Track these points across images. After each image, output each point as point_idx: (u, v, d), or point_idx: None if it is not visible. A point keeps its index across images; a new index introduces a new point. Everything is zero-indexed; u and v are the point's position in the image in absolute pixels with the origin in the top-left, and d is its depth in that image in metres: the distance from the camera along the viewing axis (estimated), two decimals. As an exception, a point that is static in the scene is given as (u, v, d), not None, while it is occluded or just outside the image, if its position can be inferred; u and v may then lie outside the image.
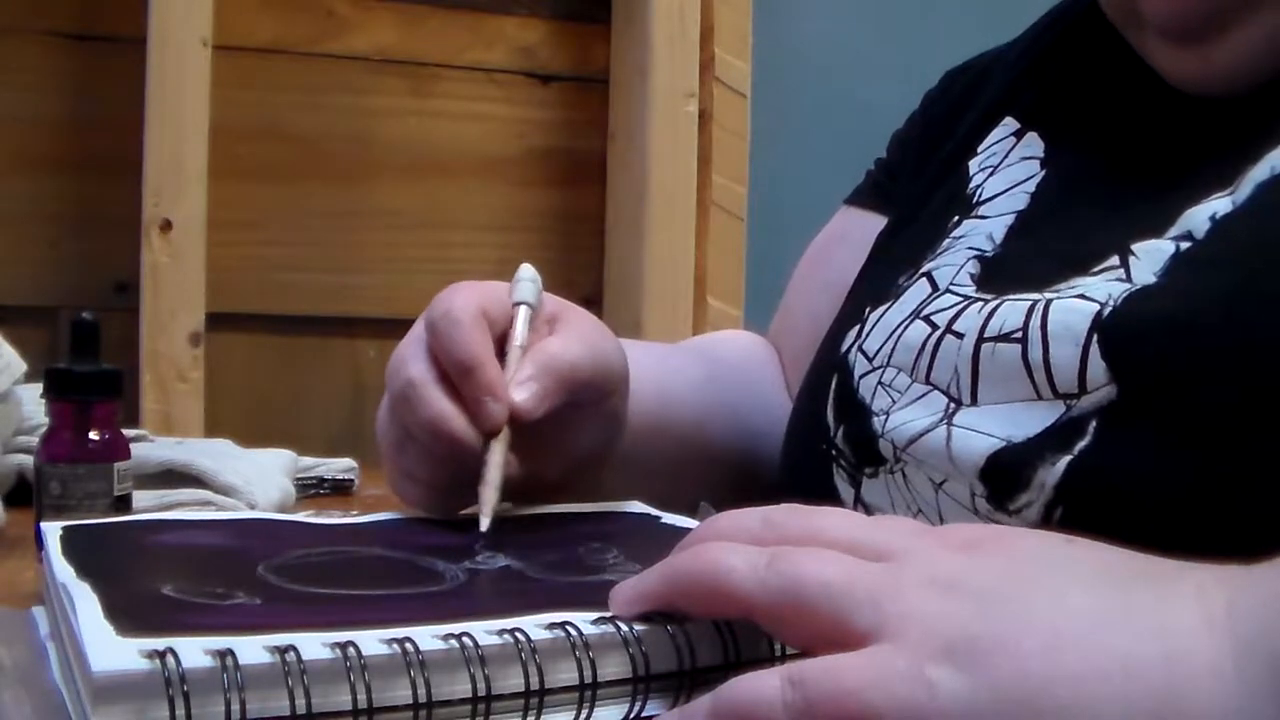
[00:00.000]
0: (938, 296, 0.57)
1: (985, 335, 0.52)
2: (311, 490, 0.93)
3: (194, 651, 0.32)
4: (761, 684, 0.32)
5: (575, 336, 0.55)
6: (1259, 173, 0.48)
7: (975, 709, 0.30)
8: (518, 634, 0.36)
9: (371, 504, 0.88)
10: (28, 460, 0.72)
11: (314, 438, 1.21)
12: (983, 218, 0.60)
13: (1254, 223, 0.47)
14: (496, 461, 0.51)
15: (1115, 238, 0.51)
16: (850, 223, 0.77)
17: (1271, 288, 0.44)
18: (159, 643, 0.32)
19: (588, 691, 0.36)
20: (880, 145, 0.79)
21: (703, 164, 1.46)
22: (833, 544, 0.35)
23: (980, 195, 0.61)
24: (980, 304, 0.53)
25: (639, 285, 1.44)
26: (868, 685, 0.31)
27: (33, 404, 0.72)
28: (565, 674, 0.36)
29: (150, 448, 0.83)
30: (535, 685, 0.35)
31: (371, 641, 0.34)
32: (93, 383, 0.60)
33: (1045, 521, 0.47)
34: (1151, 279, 0.48)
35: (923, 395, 0.54)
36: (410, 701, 0.33)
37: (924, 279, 0.59)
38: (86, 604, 0.36)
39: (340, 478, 0.95)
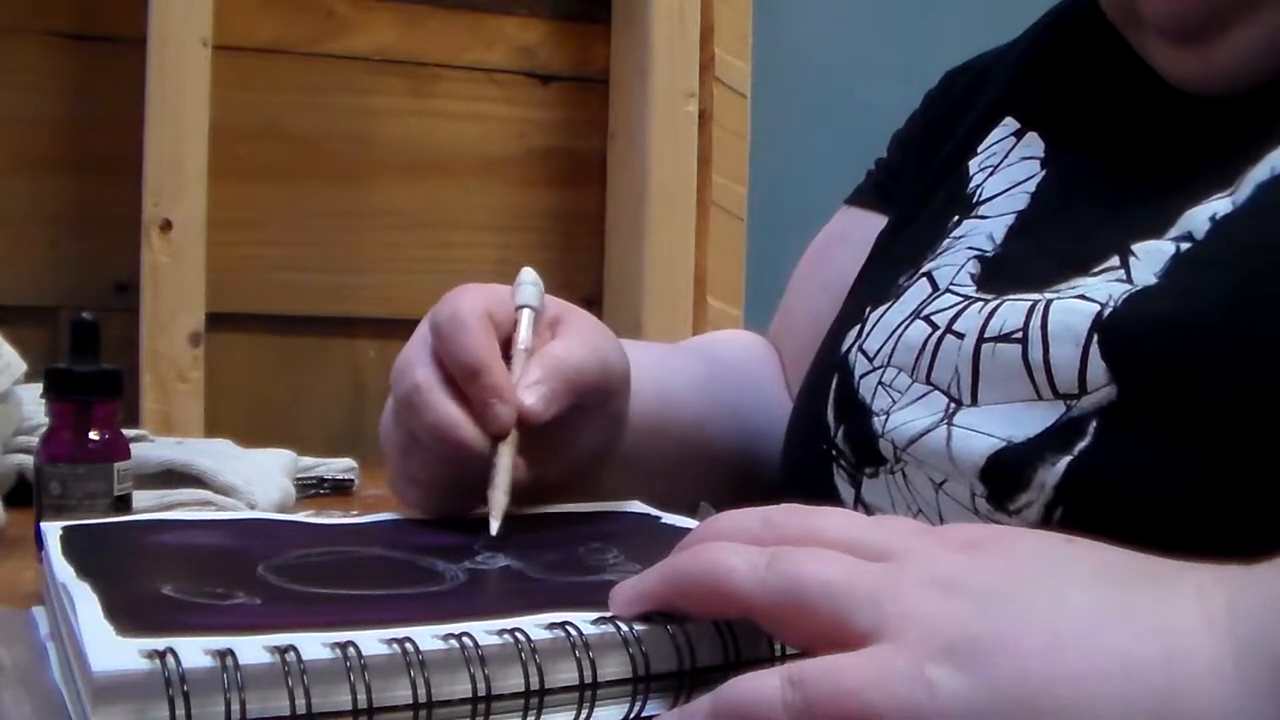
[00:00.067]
0: (938, 296, 0.57)
1: (985, 335, 0.52)
2: (311, 490, 0.93)
3: (194, 651, 0.32)
4: (761, 684, 0.32)
5: (579, 339, 0.55)
6: (1259, 173, 0.48)
7: (975, 709, 0.30)
8: (518, 634, 0.36)
9: (371, 504, 0.88)
10: (28, 460, 0.72)
11: (314, 438, 1.21)
12: (983, 218, 0.60)
13: (1254, 223, 0.47)
14: (505, 465, 0.51)
15: (1115, 238, 0.51)
16: (850, 222, 0.77)
17: (1271, 288, 0.44)
18: (159, 643, 0.32)
19: (588, 691, 0.36)
20: (880, 145, 0.79)
21: (703, 164, 1.46)
22: (833, 544, 0.35)
23: (980, 195, 0.61)
24: (980, 304, 0.53)
25: (639, 285, 1.44)
26: (868, 685, 0.31)
27: (33, 404, 0.72)
28: (565, 674, 0.36)
29: (150, 448, 0.83)
30: (535, 685, 0.35)
31: (371, 641, 0.34)
32: (93, 383, 0.60)
33: (1045, 522, 0.47)
34: (1152, 280, 0.48)
35: (923, 395, 0.54)
36: (410, 701, 0.33)
37: (924, 279, 0.59)
38: (86, 604, 0.36)
39: (340, 478, 0.95)
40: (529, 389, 0.52)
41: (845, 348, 0.60)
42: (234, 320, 1.34)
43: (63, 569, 0.41)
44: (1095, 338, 0.47)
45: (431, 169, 1.44)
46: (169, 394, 1.25)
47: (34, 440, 0.70)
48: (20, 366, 0.72)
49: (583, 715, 0.36)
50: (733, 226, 1.48)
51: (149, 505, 0.73)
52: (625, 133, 1.48)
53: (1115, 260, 0.50)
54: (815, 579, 0.33)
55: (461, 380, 0.51)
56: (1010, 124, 0.63)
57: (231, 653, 0.32)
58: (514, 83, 1.47)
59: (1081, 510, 0.46)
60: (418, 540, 0.50)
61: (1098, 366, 0.47)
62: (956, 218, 0.62)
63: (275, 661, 0.33)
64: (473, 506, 0.53)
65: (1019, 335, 0.50)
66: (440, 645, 0.35)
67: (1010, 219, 0.58)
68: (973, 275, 0.57)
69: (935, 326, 0.55)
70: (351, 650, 0.33)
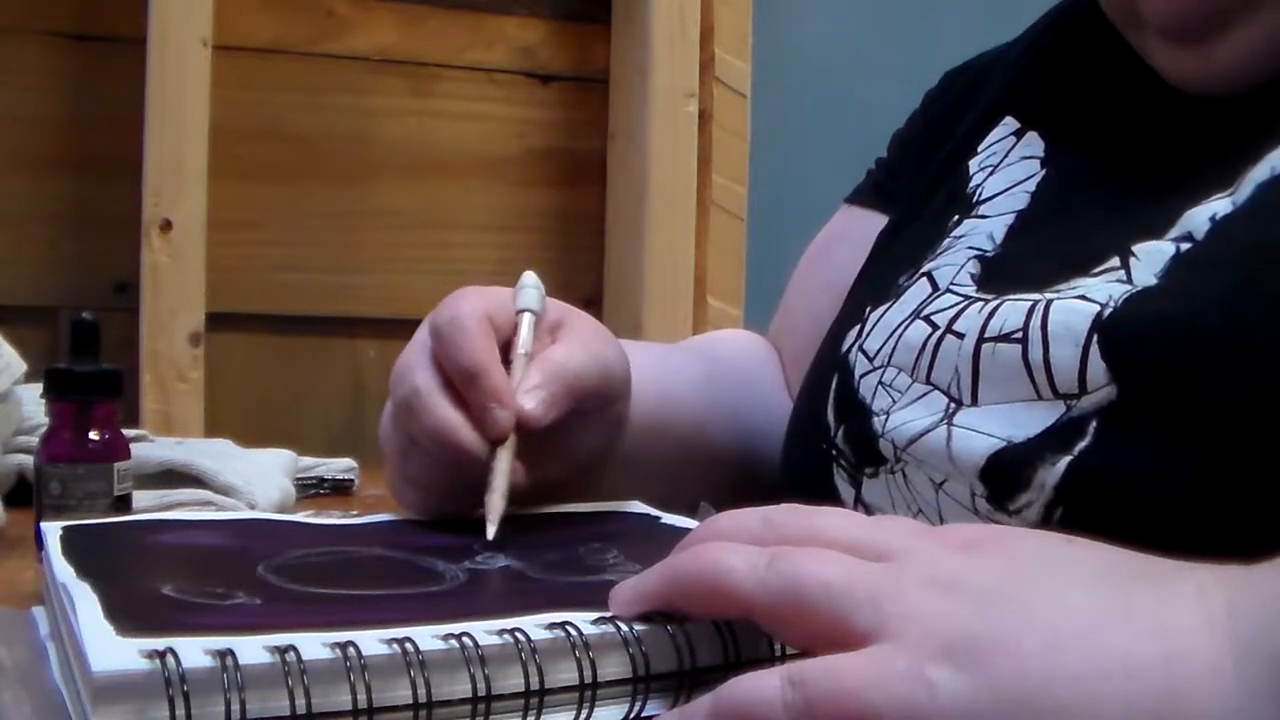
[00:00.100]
0: (938, 296, 0.57)
1: (985, 335, 0.52)
2: (311, 490, 0.93)
3: (194, 651, 0.32)
4: (761, 684, 0.32)
5: (579, 344, 0.55)
6: (1259, 173, 0.48)
7: (975, 709, 0.30)
8: (518, 634, 0.36)
9: (371, 504, 0.88)
10: (28, 460, 0.72)
11: (314, 438, 1.21)
12: (983, 217, 0.60)
13: (1254, 223, 0.47)
14: (503, 469, 0.51)
15: (1116, 239, 0.51)
16: (851, 222, 0.77)
17: (1271, 288, 0.44)
18: (159, 643, 0.32)
19: (588, 691, 0.36)
20: (880, 145, 0.79)
21: (703, 164, 1.46)
22: (833, 544, 0.35)
23: (980, 195, 0.61)
24: (981, 304, 0.53)
25: (639, 285, 1.44)
26: (868, 685, 0.31)
27: (33, 404, 0.72)
28: (565, 674, 0.36)
29: (150, 448, 0.83)
30: (535, 685, 0.35)
31: (371, 641, 0.34)
32: (93, 383, 0.60)
33: (1045, 522, 0.47)
34: (1152, 280, 0.48)
35: (923, 395, 0.54)
36: (410, 701, 0.33)
37: (924, 279, 0.59)
38: (86, 604, 0.36)
39: (340, 478, 0.95)
40: (528, 394, 0.52)
41: (845, 347, 0.60)
42: (234, 320, 1.34)
43: (63, 569, 0.41)
44: (1095, 338, 0.47)
45: (431, 169, 1.44)
46: (169, 394, 1.25)
47: (34, 440, 0.70)
48: (20, 366, 0.72)
49: (583, 715, 0.36)
50: (733, 226, 1.48)
51: (149, 505, 0.73)
52: (625, 133, 1.48)
53: (1115, 261, 0.50)
54: (815, 579, 0.34)
55: (460, 384, 0.51)
56: (1010, 123, 0.63)
57: (231, 653, 0.32)
58: (514, 83, 1.47)
59: (1081, 510, 0.46)
60: (418, 540, 0.50)
61: (1098, 366, 0.47)
62: (956, 217, 0.62)
63: (275, 661, 0.33)
64: (471, 509, 0.53)
65: (1019, 335, 0.50)
66: (440, 645, 0.35)
67: (1010, 218, 0.58)
68: (973, 275, 0.57)
69: (935, 326, 0.55)
70: (351, 650, 0.33)
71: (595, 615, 0.37)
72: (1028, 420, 0.49)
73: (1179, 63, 0.53)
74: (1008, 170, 0.61)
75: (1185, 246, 0.48)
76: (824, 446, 0.58)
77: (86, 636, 0.33)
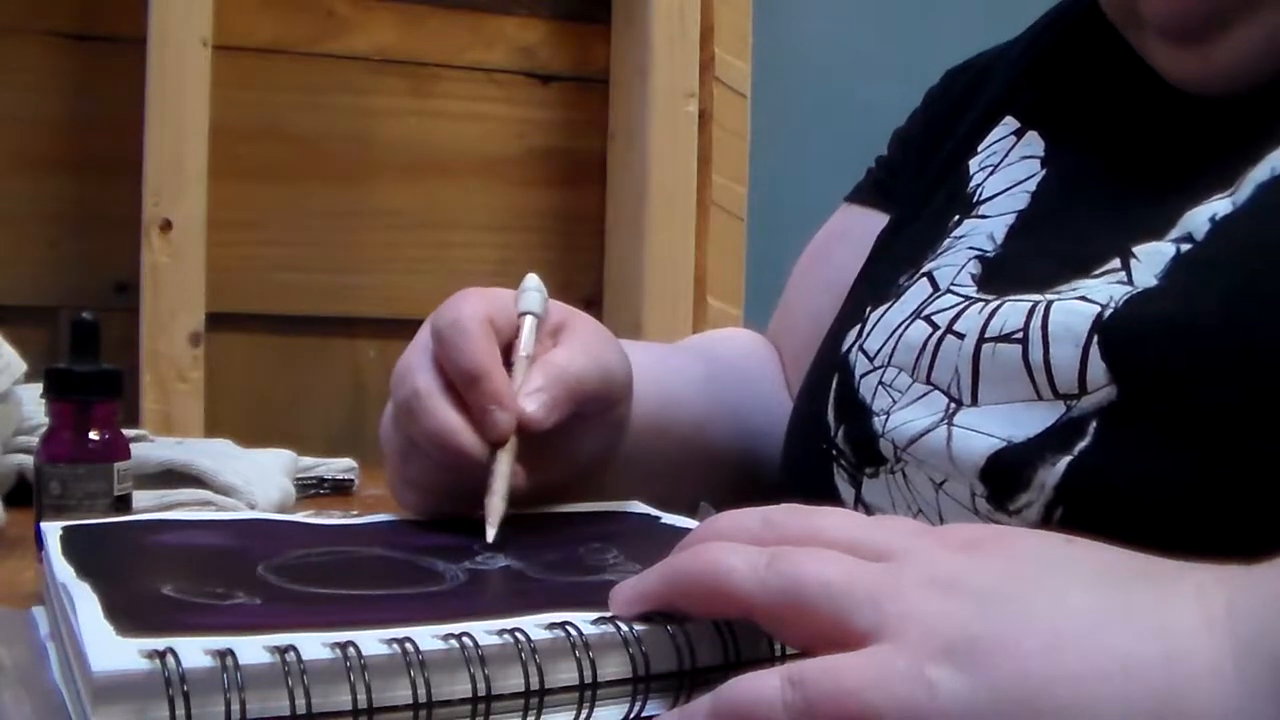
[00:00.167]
0: (939, 296, 0.57)
1: (986, 335, 0.52)
2: (311, 490, 0.93)
3: (194, 651, 0.32)
4: (761, 684, 0.32)
5: (581, 348, 0.55)
6: (1259, 174, 0.48)
7: (975, 709, 0.30)
8: (518, 634, 0.36)
9: (371, 504, 0.88)
10: (28, 460, 0.72)
11: (314, 438, 1.21)
12: (983, 217, 0.60)
13: (1254, 224, 0.47)
14: (503, 472, 0.51)
15: (1116, 240, 0.51)
16: (851, 220, 0.77)
17: (1271, 289, 0.44)
18: (159, 643, 0.32)
19: (588, 691, 0.36)
20: (880, 145, 0.79)
21: (703, 164, 1.46)
22: (833, 544, 0.35)
23: (981, 194, 0.61)
24: (981, 304, 0.53)
25: (639, 285, 1.44)
26: (868, 685, 0.31)
27: (33, 404, 0.72)
28: (565, 674, 0.36)
29: (150, 448, 0.83)
30: (535, 685, 0.35)
31: (371, 641, 0.34)
32: (93, 383, 0.60)
33: (1045, 522, 0.47)
34: (1153, 281, 0.48)
35: (923, 395, 0.54)
36: (410, 701, 0.33)
37: (925, 279, 0.59)
38: (86, 604, 0.36)
39: (340, 478, 0.95)
40: (530, 397, 0.52)
41: (845, 347, 0.60)
42: (234, 320, 1.34)
43: (63, 569, 0.41)
44: (1095, 338, 0.47)
45: (431, 169, 1.44)
46: (169, 394, 1.25)
47: (34, 440, 0.70)
48: (20, 366, 0.72)
49: (583, 715, 0.36)
50: (733, 226, 1.48)
51: (149, 505, 0.73)
52: (625, 133, 1.48)
53: (1116, 262, 0.50)
54: (815, 579, 0.34)
55: (461, 386, 0.51)
56: (1010, 123, 0.63)
57: (231, 653, 0.32)
58: (514, 83, 1.47)
59: (1081, 510, 0.46)
60: (418, 540, 0.50)
61: (1098, 367, 0.47)
62: (957, 217, 0.62)
63: (275, 661, 0.33)
64: (471, 510, 0.53)
65: (1019, 335, 0.50)
66: (440, 645, 0.35)
67: (1010, 219, 0.58)
68: (973, 275, 0.57)
69: (936, 326, 0.55)
70: (351, 650, 0.33)
71: (595, 615, 0.37)
72: (1028, 420, 0.49)
73: (1179, 63, 0.53)
74: (1008, 170, 0.61)
75: (1185, 247, 0.48)
76: (824, 446, 0.58)
77: (86, 636, 0.33)
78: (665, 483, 0.66)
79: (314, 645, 0.33)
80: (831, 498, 0.57)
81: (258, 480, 0.79)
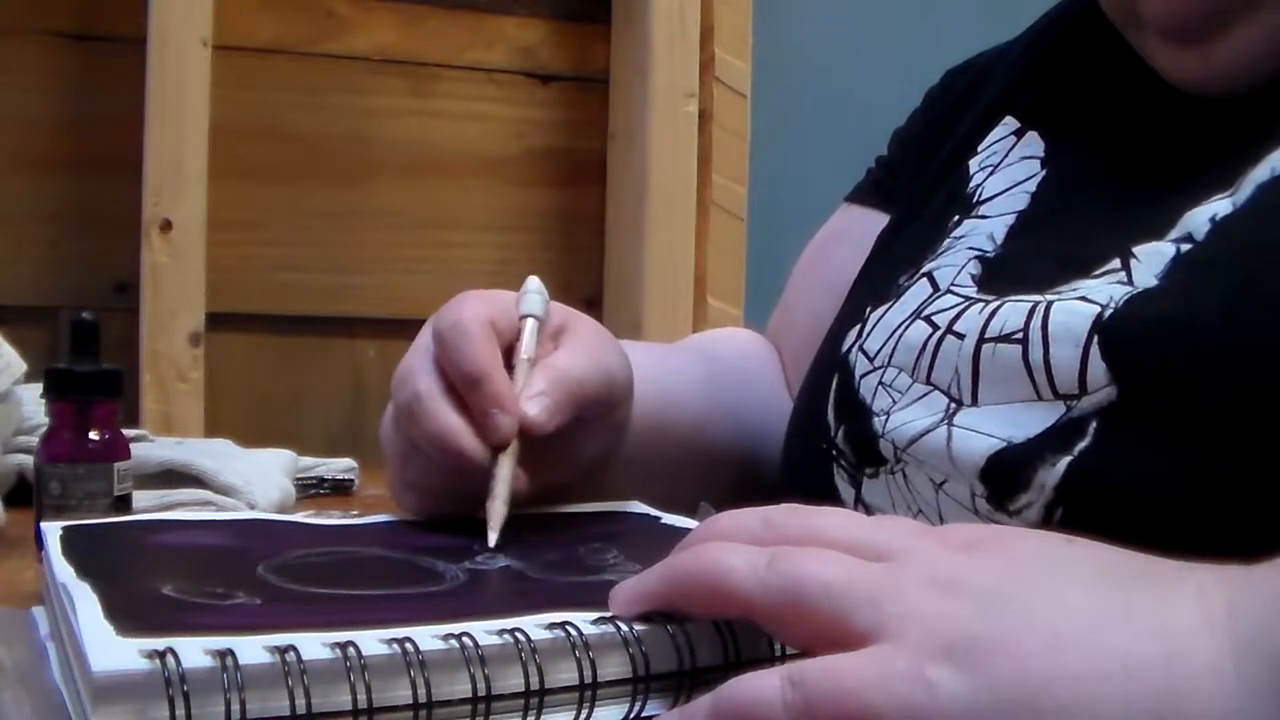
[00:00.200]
0: (939, 297, 0.57)
1: (986, 336, 0.52)
2: (311, 490, 0.93)
3: (194, 651, 0.32)
4: (761, 684, 0.32)
5: (583, 351, 0.55)
6: (1259, 174, 0.48)
7: (975, 709, 0.30)
8: (518, 634, 0.36)
9: (371, 504, 0.88)
10: (28, 460, 0.72)
11: (314, 438, 1.21)
12: (983, 217, 0.60)
13: (1254, 224, 0.47)
14: (505, 476, 0.51)
15: (1116, 240, 0.51)
16: (851, 220, 0.77)
17: (1271, 289, 0.44)
18: (159, 643, 0.32)
19: (588, 691, 0.36)
20: (880, 145, 0.79)
21: (703, 164, 1.46)
22: (833, 544, 0.35)
23: (980, 195, 0.61)
24: (981, 305, 0.53)
25: (639, 285, 1.44)
26: (868, 685, 0.31)
27: (33, 404, 0.72)
28: (565, 674, 0.36)
29: (150, 448, 0.83)
30: (535, 685, 0.35)
31: (371, 641, 0.34)
32: (93, 383, 0.60)
33: (1045, 522, 0.47)
34: (1153, 281, 0.48)
35: (923, 395, 0.54)
36: (410, 701, 0.33)
37: (925, 279, 0.59)
38: (86, 604, 0.36)
39: (340, 478, 0.95)
40: (532, 400, 0.52)
41: (845, 348, 0.60)
42: (234, 320, 1.34)
43: (63, 569, 0.41)
44: (1095, 339, 0.47)
45: (431, 169, 1.44)
46: (169, 394, 1.25)
47: (34, 440, 0.70)
48: (20, 366, 0.72)
49: (583, 715, 0.36)
50: (733, 226, 1.48)
51: (149, 505, 0.73)
52: (625, 133, 1.48)
53: (1116, 263, 0.50)
54: (815, 579, 0.33)
55: (463, 389, 0.51)
56: (1010, 123, 0.63)
57: (231, 653, 0.32)
58: (514, 83, 1.47)
59: (1081, 510, 0.46)
60: (417, 540, 0.50)
61: (1098, 367, 0.47)
62: (957, 217, 0.62)
63: (275, 661, 0.33)
64: (472, 513, 0.53)
65: (1019, 336, 0.50)
66: (440, 645, 0.35)
67: (1010, 219, 0.58)
68: (973, 276, 0.57)
69: (936, 327, 0.55)
70: (351, 650, 0.33)
71: (595, 615, 0.37)
72: (1028, 421, 0.49)
73: (1179, 63, 0.53)
74: (1008, 170, 0.61)
75: (1186, 247, 0.48)
76: (824, 446, 0.58)
77: (86, 636, 0.33)
78: (665, 483, 0.66)
79: (314, 645, 0.33)
80: (831, 498, 0.57)
81: (258, 480, 0.79)
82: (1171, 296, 0.47)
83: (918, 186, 0.69)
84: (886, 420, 0.55)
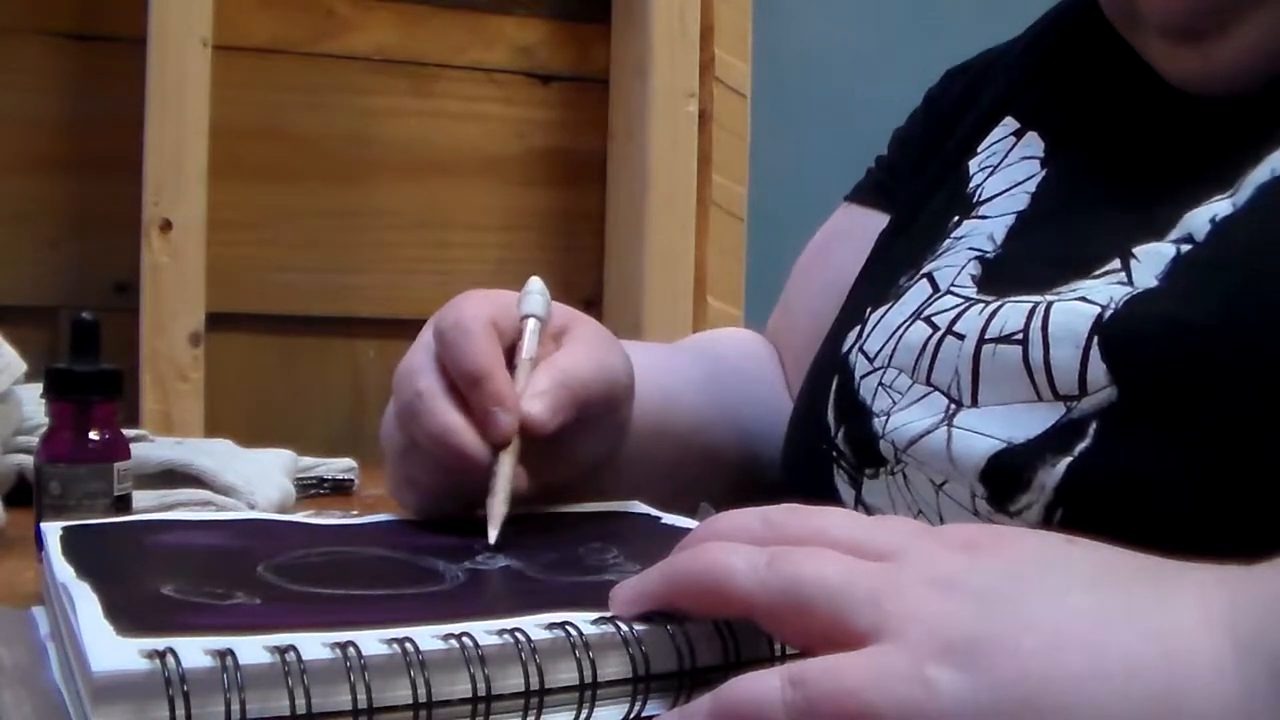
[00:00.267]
0: (939, 298, 0.57)
1: (986, 336, 0.52)
2: (311, 490, 0.93)
3: (194, 651, 0.32)
4: (761, 684, 0.32)
5: (584, 351, 0.55)
6: (1259, 175, 0.48)
7: (975, 709, 0.30)
8: (518, 634, 0.36)
9: (371, 504, 0.88)
10: (28, 460, 0.72)
11: (314, 438, 1.21)
12: (983, 218, 0.60)
13: (1254, 225, 0.47)
14: (505, 474, 0.51)
15: (1116, 240, 0.51)
16: (851, 220, 0.77)
17: (1272, 290, 0.44)
18: (159, 643, 0.32)
19: (588, 691, 0.36)
20: (880, 145, 0.79)
21: (703, 164, 1.46)
22: (833, 544, 0.35)
23: (980, 195, 0.61)
24: (981, 305, 0.53)
25: (639, 285, 1.44)
26: (868, 685, 0.31)
27: (33, 404, 0.72)
28: (565, 674, 0.36)
29: (150, 448, 0.83)
30: (535, 685, 0.35)
31: (371, 641, 0.34)
32: (93, 383, 0.60)
33: (1046, 523, 0.47)
34: (1153, 282, 0.48)
35: (923, 396, 0.54)
36: (410, 701, 0.33)
37: (925, 280, 0.59)
38: (86, 604, 0.36)
39: (340, 478, 0.95)
40: (534, 399, 0.52)
41: (845, 348, 0.60)
42: (234, 320, 1.34)
43: (63, 569, 0.41)
44: (1095, 339, 0.47)
45: (431, 169, 1.44)
46: (169, 394, 1.25)
47: (34, 440, 0.70)
48: (20, 366, 0.72)
49: (583, 715, 0.36)
50: (733, 226, 1.48)
51: (149, 505, 0.73)
52: (625, 133, 1.48)
53: (1116, 263, 0.50)
54: (815, 579, 0.34)
55: (464, 387, 0.51)
56: (1010, 123, 0.63)
57: (231, 653, 0.32)
58: (514, 83, 1.47)
59: (1081, 511, 0.46)
60: (418, 540, 0.50)
61: (1098, 368, 0.47)
62: (957, 218, 0.62)
63: (275, 661, 0.33)
64: (471, 512, 0.53)
65: (1019, 336, 0.50)
66: (440, 645, 0.35)
67: (1010, 219, 0.58)
68: (973, 276, 0.57)
69: (936, 328, 0.55)
70: (351, 650, 0.33)
71: (595, 615, 0.37)
72: (1028, 421, 0.49)
73: (1179, 62, 0.53)
74: (1008, 171, 0.61)
75: (1186, 248, 0.48)
76: (824, 447, 0.58)
77: (86, 636, 0.33)
78: (665, 483, 0.66)
79: (314, 645, 0.33)
80: (831, 498, 0.57)
81: (258, 480, 0.79)
82: (1171, 297, 0.47)
83: (917, 187, 0.69)
84: (886, 421, 0.55)
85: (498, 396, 0.50)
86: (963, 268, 0.57)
